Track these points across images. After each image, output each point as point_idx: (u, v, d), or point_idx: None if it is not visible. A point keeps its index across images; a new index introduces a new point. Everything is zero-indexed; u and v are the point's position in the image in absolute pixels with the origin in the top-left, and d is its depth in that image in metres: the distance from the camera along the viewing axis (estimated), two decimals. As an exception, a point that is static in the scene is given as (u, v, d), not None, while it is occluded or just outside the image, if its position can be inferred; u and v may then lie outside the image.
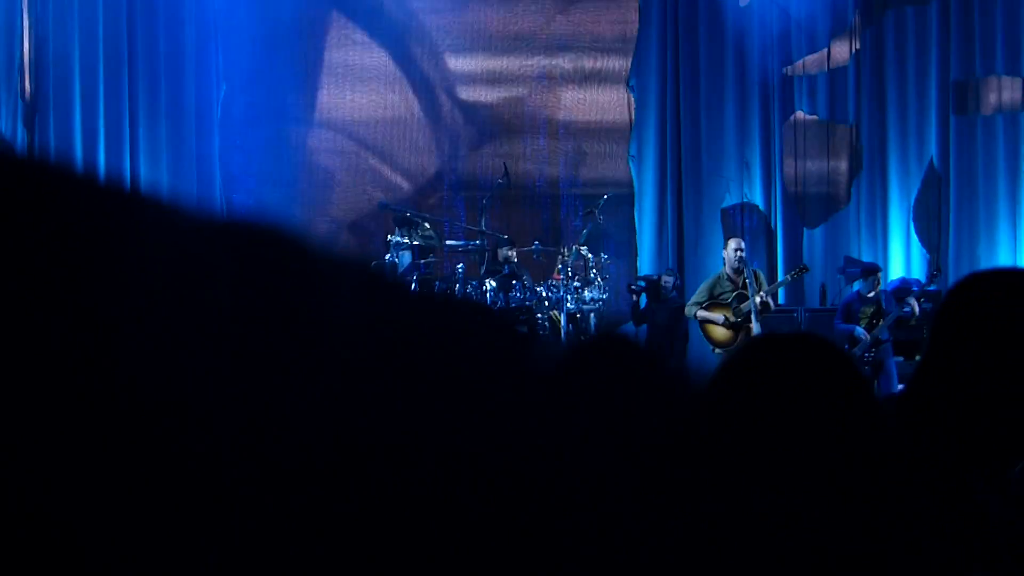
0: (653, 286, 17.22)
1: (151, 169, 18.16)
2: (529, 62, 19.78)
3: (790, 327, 17.02)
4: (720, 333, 15.69)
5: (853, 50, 19.60)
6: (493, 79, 19.74)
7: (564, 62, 19.81)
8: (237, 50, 18.84)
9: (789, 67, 19.64)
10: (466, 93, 19.69)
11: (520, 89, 19.77)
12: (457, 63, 19.68)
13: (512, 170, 18.57)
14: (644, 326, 17.08)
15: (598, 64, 19.87)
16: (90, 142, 18.03)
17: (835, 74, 19.64)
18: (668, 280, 17.18)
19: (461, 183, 19.50)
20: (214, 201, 18.49)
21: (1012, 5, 19.28)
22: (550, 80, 19.80)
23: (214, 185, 18.71)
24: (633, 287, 17.34)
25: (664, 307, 16.97)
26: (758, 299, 15.43)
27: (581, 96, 19.83)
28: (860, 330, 15.48)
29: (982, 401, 2.72)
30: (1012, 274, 2.91)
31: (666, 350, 16.96)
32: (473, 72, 19.71)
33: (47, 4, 17.85)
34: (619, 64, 19.87)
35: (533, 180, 19.67)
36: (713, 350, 15.74)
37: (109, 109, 18.12)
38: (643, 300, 17.14)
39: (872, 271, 16.15)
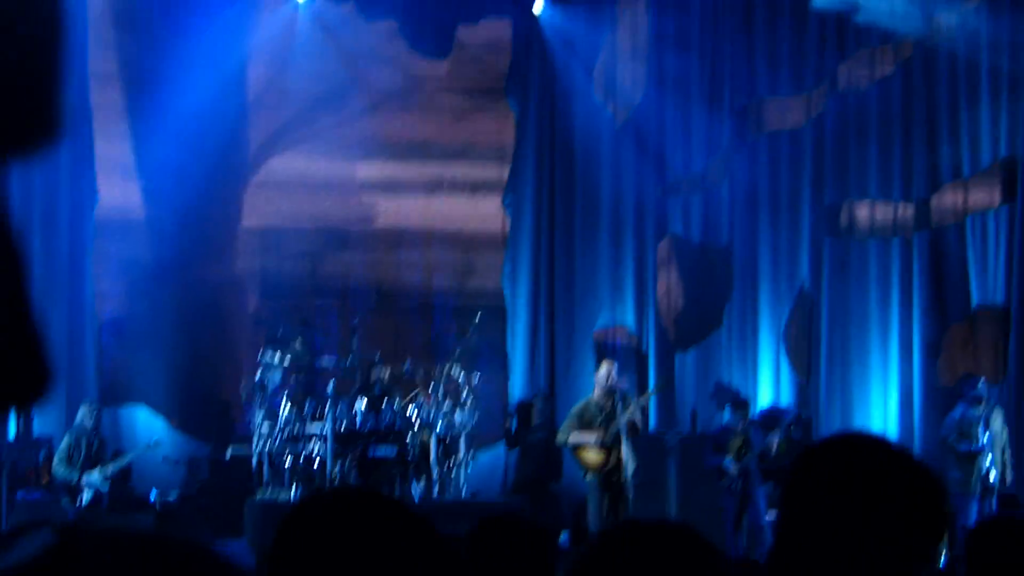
0: (524, 410, 17.28)
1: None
2: (411, 171, 19.75)
3: (661, 451, 17.02)
4: (592, 457, 15.55)
5: (728, 172, 19.75)
6: (374, 186, 19.66)
7: (446, 171, 19.80)
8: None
9: (663, 188, 19.75)
10: (350, 198, 19.60)
11: (398, 198, 19.71)
12: (350, 169, 19.64)
13: (385, 281, 18.51)
14: (516, 449, 17.13)
15: (475, 175, 19.88)
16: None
17: (709, 196, 19.77)
18: (539, 404, 17.34)
19: (333, 293, 19.36)
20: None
21: (886, 130, 19.53)
22: (429, 190, 19.77)
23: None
24: (509, 411, 17.39)
25: (536, 431, 17.06)
26: (625, 419, 15.32)
27: (458, 207, 19.81)
28: (728, 461, 15.56)
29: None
30: (862, 441, 2.89)
31: (542, 474, 16.96)
32: (359, 178, 19.65)
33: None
34: (496, 176, 19.91)
35: (407, 292, 19.56)
36: (584, 476, 15.56)
37: None
38: (514, 424, 17.19)
39: (740, 406, 16.28)
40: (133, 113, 18.88)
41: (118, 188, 18.87)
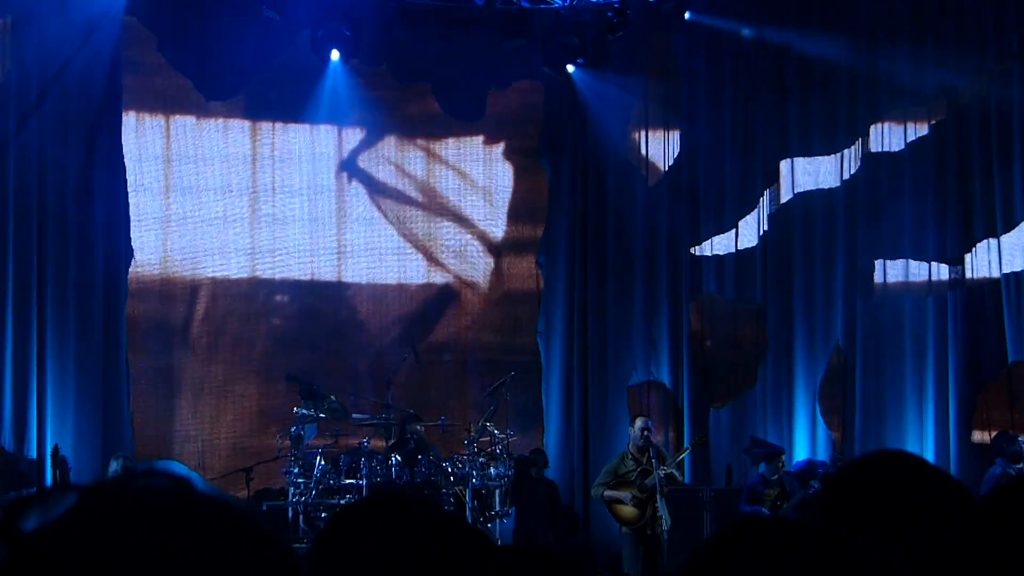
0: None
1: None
2: (445, 230, 19.85)
3: (696, 505, 16.99)
4: (627, 511, 15.61)
5: (761, 231, 19.79)
6: (395, 249, 19.76)
7: (480, 231, 19.89)
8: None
9: (697, 247, 19.81)
10: (375, 260, 19.68)
11: (435, 256, 19.80)
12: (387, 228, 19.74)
13: (422, 337, 18.63)
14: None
15: (510, 234, 19.99)
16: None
17: (743, 255, 19.81)
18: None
19: (371, 355, 19.41)
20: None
21: (920, 193, 19.54)
22: (463, 248, 19.87)
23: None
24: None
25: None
26: (663, 472, 15.35)
27: (492, 266, 19.92)
28: (764, 512, 15.49)
29: None
30: (894, 457, 2.90)
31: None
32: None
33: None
34: (531, 235, 20.01)
35: (444, 348, 19.64)
36: (620, 529, 15.66)
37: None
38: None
39: (776, 454, 16.24)
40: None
41: (154, 245, 18.96)
